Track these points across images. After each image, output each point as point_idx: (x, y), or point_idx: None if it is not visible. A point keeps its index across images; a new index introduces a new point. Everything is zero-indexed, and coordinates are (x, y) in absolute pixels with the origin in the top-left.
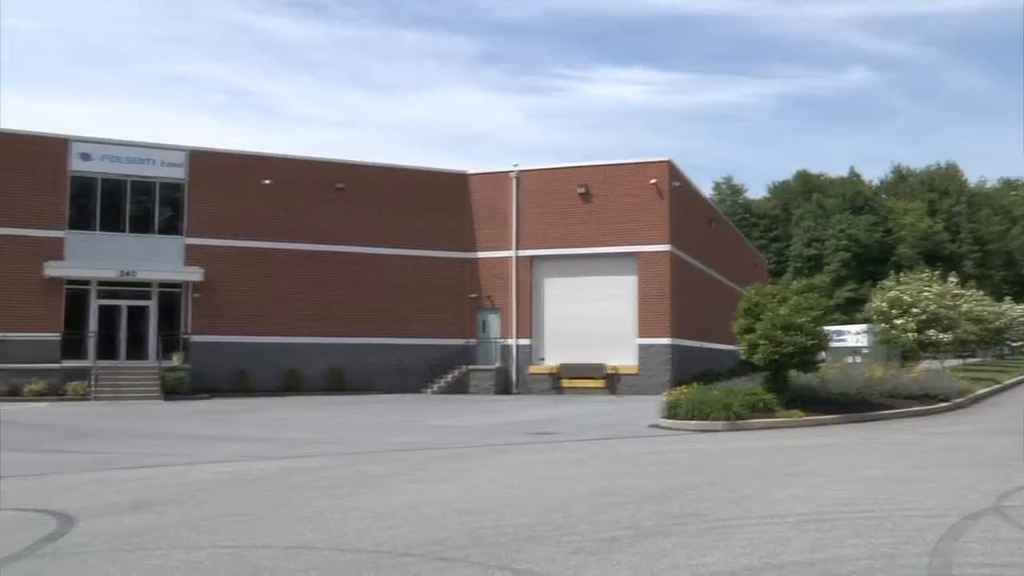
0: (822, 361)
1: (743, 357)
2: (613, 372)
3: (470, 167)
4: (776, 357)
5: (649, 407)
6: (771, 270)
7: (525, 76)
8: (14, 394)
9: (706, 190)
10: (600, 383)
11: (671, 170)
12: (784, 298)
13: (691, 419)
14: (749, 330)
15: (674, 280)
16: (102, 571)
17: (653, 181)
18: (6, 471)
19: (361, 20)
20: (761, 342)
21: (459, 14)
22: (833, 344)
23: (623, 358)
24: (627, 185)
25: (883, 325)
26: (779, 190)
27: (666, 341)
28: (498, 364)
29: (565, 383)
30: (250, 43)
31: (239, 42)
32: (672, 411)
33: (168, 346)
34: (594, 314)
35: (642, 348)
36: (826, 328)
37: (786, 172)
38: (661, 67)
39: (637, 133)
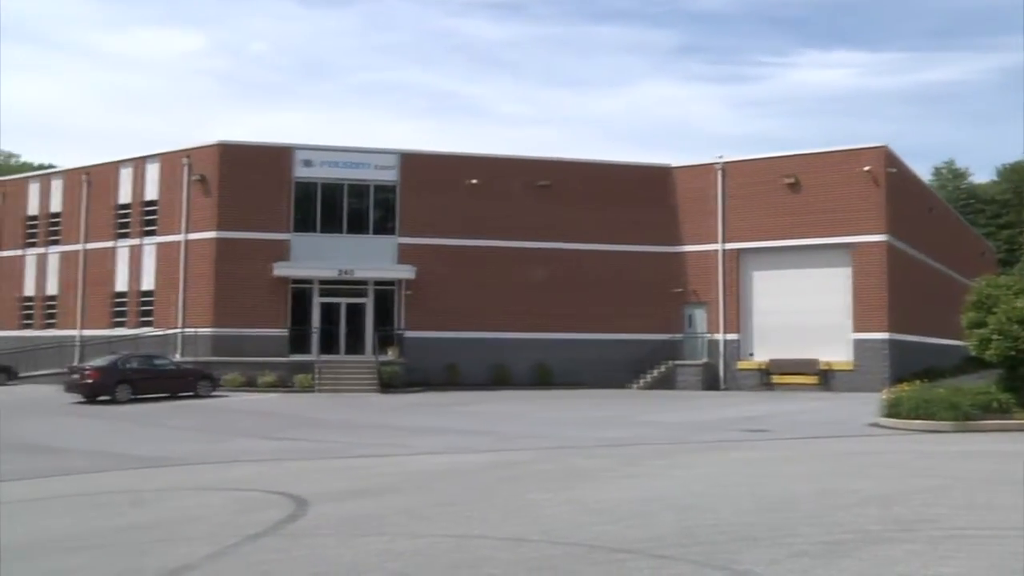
0: None
1: (972, 353)
2: (826, 368)
3: (673, 160)
4: (1013, 353)
5: (866, 405)
6: (1000, 259)
7: (726, 65)
8: (250, 385)
9: (924, 175)
10: (812, 379)
11: (887, 156)
12: (1021, 290)
13: (914, 419)
14: (980, 324)
15: (891, 271)
16: (336, 553)
17: (867, 168)
18: (248, 455)
19: (557, 17)
20: (995, 337)
21: (655, 6)
22: None
23: (837, 353)
24: (838, 173)
25: None
26: (1009, 172)
27: (883, 336)
28: (705, 359)
29: (775, 379)
30: (451, 47)
31: (441, 47)
32: (893, 410)
33: (384, 341)
34: (805, 308)
35: (857, 343)
36: None
37: (1017, 152)
38: (868, 48)
39: (845, 119)
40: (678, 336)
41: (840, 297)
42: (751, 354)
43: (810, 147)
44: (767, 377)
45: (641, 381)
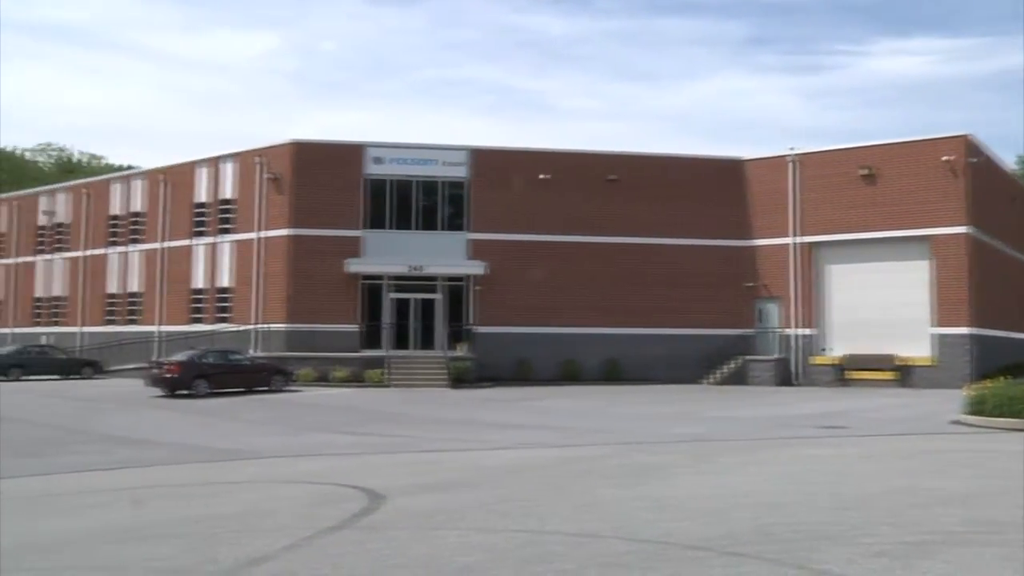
0: None
1: None
2: (904, 364)
3: (744, 153)
4: None
5: (948, 402)
6: None
7: (798, 56)
8: (323, 380)
9: (1008, 164)
10: (890, 375)
11: (968, 145)
12: None
13: (1000, 416)
14: None
15: (973, 264)
16: (411, 547)
17: (946, 158)
18: (324, 449)
19: (624, 11)
20: None
21: None
22: None
23: (915, 349)
24: (916, 164)
25: None
26: None
27: (965, 331)
28: (778, 354)
29: (851, 375)
30: (518, 43)
31: (508, 42)
32: (977, 407)
33: (454, 337)
34: (881, 302)
35: (937, 338)
36: None
37: None
38: (946, 34)
39: (923, 108)
40: (750, 331)
41: (919, 291)
42: (825, 349)
43: (886, 137)
44: (842, 373)
45: (712, 377)
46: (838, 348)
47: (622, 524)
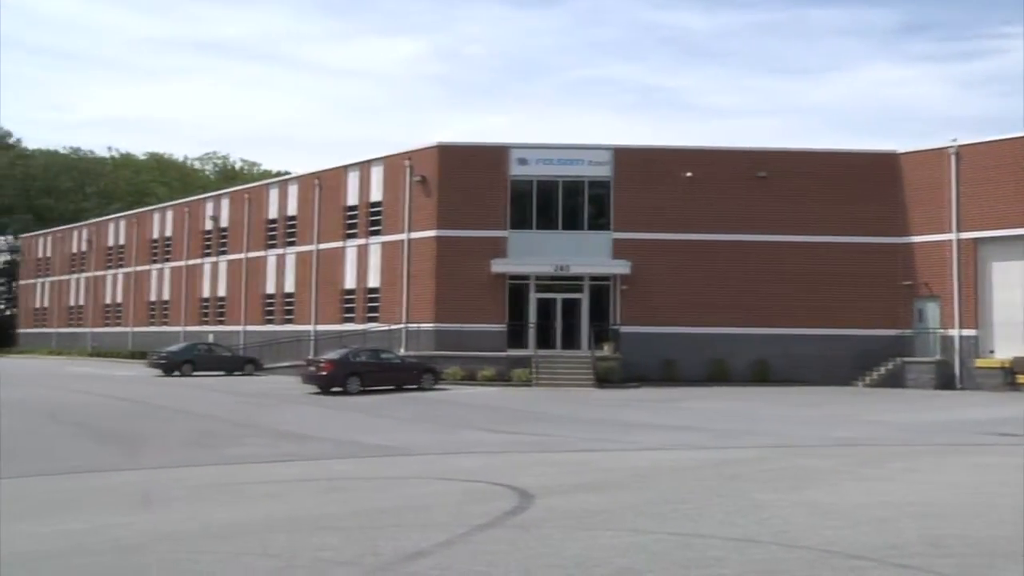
0: None
1: None
2: None
3: (899, 146)
4: None
5: None
6: None
7: (954, 42)
8: (470, 379)
9: None
10: None
11: None
12: None
13: None
14: None
15: None
16: (562, 546)
17: None
18: (474, 447)
19: (769, 4)
20: None
21: None
22: None
23: None
24: None
25: None
26: None
27: None
28: (938, 356)
29: (1021, 378)
30: (660, 40)
31: (650, 40)
32: None
33: (599, 336)
34: None
35: None
36: None
37: None
38: None
39: None
40: (907, 332)
41: None
42: (991, 351)
43: None
44: (1011, 376)
45: (867, 379)
46: (1005, 350)
47: (781, 530)
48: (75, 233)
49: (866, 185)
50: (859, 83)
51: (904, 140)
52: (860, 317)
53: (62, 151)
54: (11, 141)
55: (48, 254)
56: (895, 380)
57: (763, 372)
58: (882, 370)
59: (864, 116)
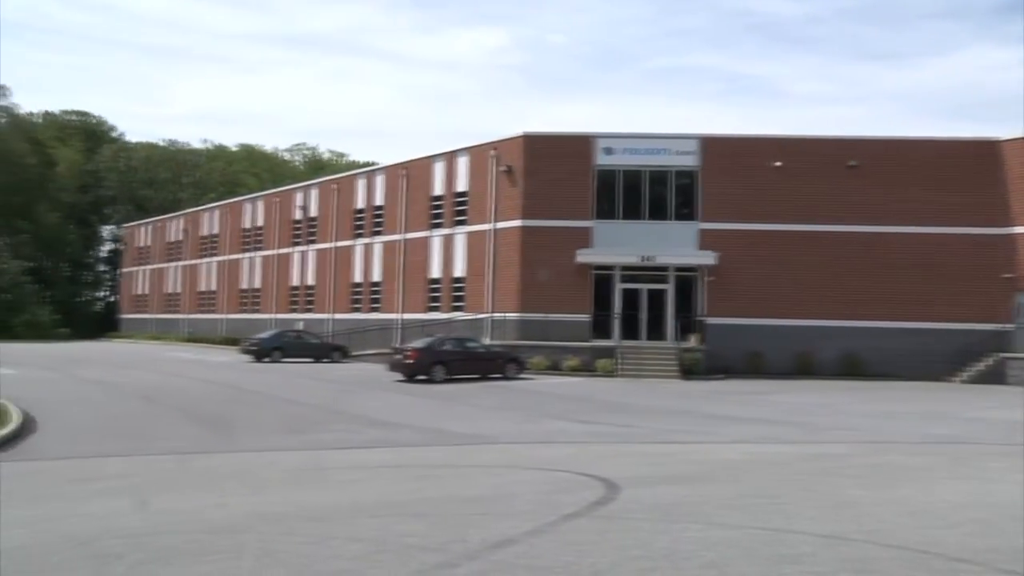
0: None
1: None
2: None
3: (1000, 133)
4: None
5: None
6: None
7: None
8: (554, 369)
9: None
10: None
11: None
12: None
13: None
14: None
15: None
16: (651, 538)
17: None
18: (559, 437)
19: None
20: None
21: None
22: None
23: None
24: None
25: None
26: None
27: None
28: None
29: None
30: (747, 27)
31: (736, 27)
32: None
33: (684, 327)
34: None
35: None
36: None
37: None
38: None
39: None
40: (1009, 326)
41: None
42: None
43: None
44: None
45: (963, 374)
46: None
47: (875, 528)
48: (172, 223)
49: (964, 174)
50: (955, 67)
51: (1005, 126)
52: (957, 310)
53: (160, 144)
54: (115, 135)
55: (148, 243)
56: (994, 377)
57: (853, 366)
58: (980, 366)
59: (960, 102)
